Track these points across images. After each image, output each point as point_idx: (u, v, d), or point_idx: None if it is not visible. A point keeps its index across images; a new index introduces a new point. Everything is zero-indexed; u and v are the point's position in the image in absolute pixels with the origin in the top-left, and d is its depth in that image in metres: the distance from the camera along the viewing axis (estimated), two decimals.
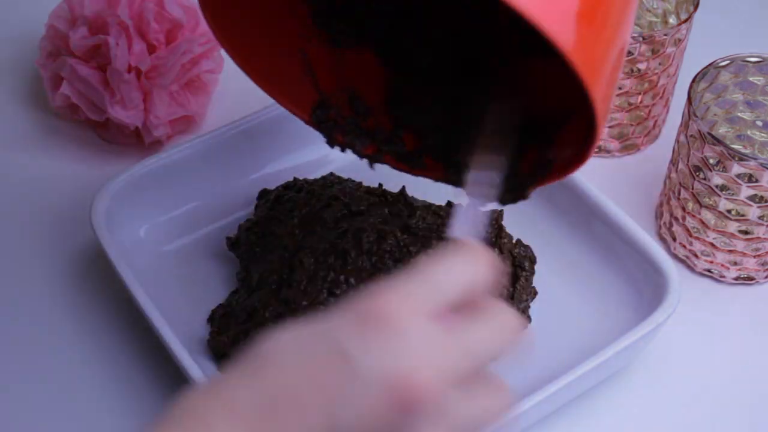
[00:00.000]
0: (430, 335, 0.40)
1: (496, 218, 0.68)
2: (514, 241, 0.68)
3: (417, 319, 0.40)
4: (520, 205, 0.72)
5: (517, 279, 0.66)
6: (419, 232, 0.66)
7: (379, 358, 0.39)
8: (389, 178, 0.67)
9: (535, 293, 0.67)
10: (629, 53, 0.73)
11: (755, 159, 0.64)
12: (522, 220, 0.70)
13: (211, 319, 0.66)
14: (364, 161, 0.64)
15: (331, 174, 0.72)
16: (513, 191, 0.58)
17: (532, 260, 0.68)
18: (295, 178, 0.72)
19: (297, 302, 0.62)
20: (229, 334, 0.63)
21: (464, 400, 0.41)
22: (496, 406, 0.43)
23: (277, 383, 0.40)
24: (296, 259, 0.64)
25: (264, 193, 0.71)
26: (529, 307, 0.66)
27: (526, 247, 0.68)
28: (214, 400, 0.40)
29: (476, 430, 0.42)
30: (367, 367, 0.39)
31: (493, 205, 0.56)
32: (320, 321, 0.41)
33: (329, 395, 0.39)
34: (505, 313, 0.43)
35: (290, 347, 0.41)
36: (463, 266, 0.43)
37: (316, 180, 0.71)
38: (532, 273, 0.67)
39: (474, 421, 0.42)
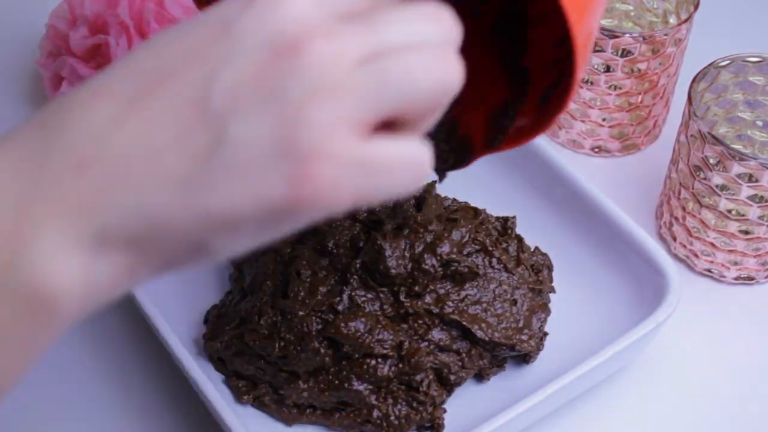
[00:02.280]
0: (328, 16, 0.36)
1: (512, 228, 0.68)
2: (532, 249, 0.68)
3: (316, 3, 0.36)
4: (520, 205, 0.72)
5: (540, 293, 0.66)
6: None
7: (261, 16, 0.36)
8: None
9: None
10: (629, 53, 0.73)
11: (755, 159, 0.64)
12: (521, 220, 0.70)
13: (206, 320, 0.66)
14: None
15: None
16: (458, 153, 0.55)
17: (550, 268, 0.68)
18: None
19: (293, 312, 0.62)
20: (222, 339, 0.63)
21: (375, 31, 0.36)
22: (430, 31, 0.37)
23: (152, 61, 0.37)
24: (293, 269, 0.64)
25: None
26: (546, 321, 0.66)
27: (545, 255, 0.68)
28: (86, 90, 0.37)
29: (411, 85, 0.36)
30: (247, 25, 0.36)
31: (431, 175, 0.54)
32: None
33: (206, 62, 0.36)
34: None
35: (173, 30, 0.38)
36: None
37: None
38: (551, 280, 0.67)
39: (404, 61, 0.36)
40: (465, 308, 0.63)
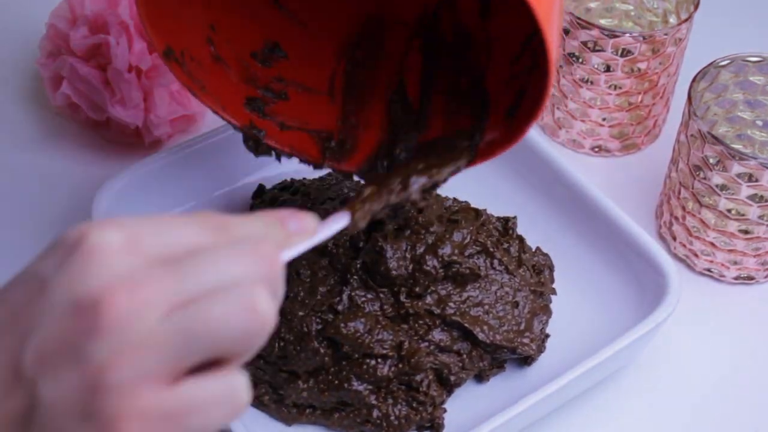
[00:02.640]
0: (139, 264, 0.36)
1: (513, 228, 0.68)
2: (533, 249, 0.68)
3: (128, 251, 0.36)
4: (520, 205, 0.72)
5: (541, 294, 0.66)
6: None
7: (70, 274, 0.35)
8: None
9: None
10: (629, 52, 0.73)
11: (755, 158, 0.64)
12: (521, 220, 0.70)
13: None
14: None
15: (329, 174, 0.72)
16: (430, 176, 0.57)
17: (551, 268, 0.68)
18: (292, 179, 0.71)
19: (293, 313, 0.62)
20: None
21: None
22: (240, 271, 0.36)
23: None
24: (292, 269, 0.64)
25: (260, 191, 0.71)
26: (547, 323, 0.66)
27: (546, 255, 0.68)
28: None
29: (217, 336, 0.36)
30: (57, 285, 0.35)
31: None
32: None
33: (21, 324, 0.36)
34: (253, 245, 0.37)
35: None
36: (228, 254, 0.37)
37: (312, 181, 0.71)
38: (552, 281, 0.67)
39: (209, 321, 0.35)
40: (466, 310, 0.63)
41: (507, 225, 0.67)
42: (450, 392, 0.63)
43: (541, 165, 0.72)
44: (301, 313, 0.62)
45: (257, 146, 0.63)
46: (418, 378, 0.61)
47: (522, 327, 0.63)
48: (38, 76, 0.82)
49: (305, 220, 0.41)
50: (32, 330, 0.35)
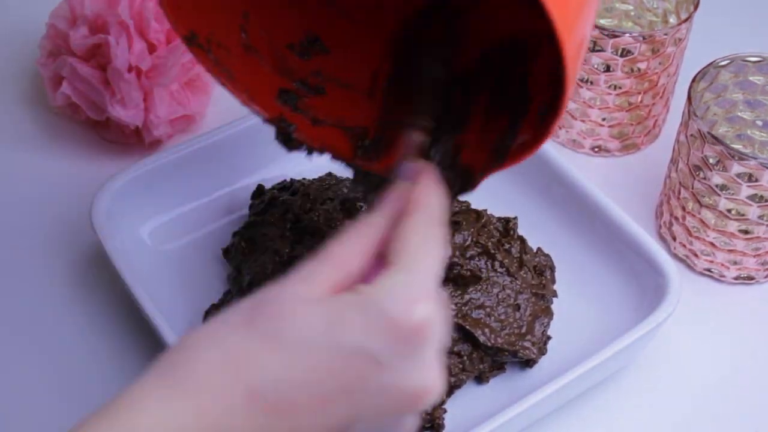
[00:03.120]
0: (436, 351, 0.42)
1: (513, 229, 0.68)
2: (535, 250, 0.68)
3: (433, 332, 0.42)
4: (520, 205, 0.72)
5: (543, 297, 0.66)
6: None
7: (405, 368, 0.41)
8: None
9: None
10: (629, 52, 0.73)
11: (755, 158, 0.64)
12: (521, 220, 0.69)
13: (205, 320, 0.66)
14: None
15: (329, 174, 0.72)
16: (463, 179, 0.57)
17: (552, 268, 0.68)
18: (291, 180, 0.71)
19: None
20: None
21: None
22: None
23: (300, 372, 0.40)
24: (292, 269, 0.63)
25: (259, 192, 0.71)
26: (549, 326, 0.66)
27: (547, 256, 0.68)
28: (234, 378, 0.40)
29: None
30: (397, 383, 0.41)
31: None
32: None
33: (352, 397, 0.40)
34: None
35: (318, 345, 0.40)
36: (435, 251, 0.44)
37: (312, 181, 0.71)
38: (553, 282, 0.67)
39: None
40: (468, 312, 0.63)
41: (508, 226, 0.67)
42: (450, 393, 0.63)
43: (540, 165, 0.72)
44: None
45: (288, 140, 0.61)
46: None
47: (523, 330, 0.63)
48: (38, 76, 0.82)
49: None
50: (362, 413, 0.41)
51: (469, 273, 0.63)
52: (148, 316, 0.62)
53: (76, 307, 0.69)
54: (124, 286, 0.64)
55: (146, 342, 0.66)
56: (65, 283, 0.70)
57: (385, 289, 0.41)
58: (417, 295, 0.41)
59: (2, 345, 0.67)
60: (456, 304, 0.62)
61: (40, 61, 0.78)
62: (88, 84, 0.75)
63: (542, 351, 0.64)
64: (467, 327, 0.62)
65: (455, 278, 0.63)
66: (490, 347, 0.62)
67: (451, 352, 0.62)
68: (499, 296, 0.64)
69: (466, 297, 0.63)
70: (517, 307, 0.64)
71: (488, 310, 0.63)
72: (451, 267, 0.63)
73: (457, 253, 0.63)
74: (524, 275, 0.65)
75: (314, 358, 0.40)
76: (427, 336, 0.41)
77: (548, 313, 0.65)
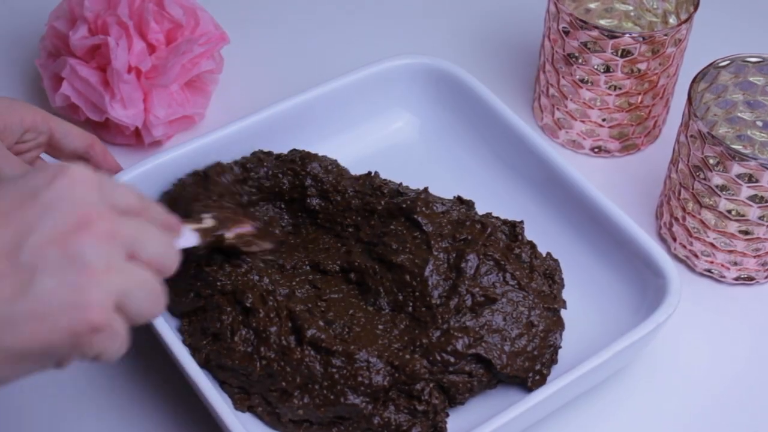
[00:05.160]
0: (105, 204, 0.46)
1: (521, 233, 0.67)
2: (544, 255, 0.68)
3: (99, 190, 0.46)
4: (520, 205, 0.72)
5: (555, 310, 0.65)
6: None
7: (62, 193, 0.45)
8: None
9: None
10: (629, 53, 0.73)
11: (755, 159, 0.64)
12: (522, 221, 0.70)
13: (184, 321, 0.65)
14: (361, 162, 0.63)
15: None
16: None
17: (560, 272, 0.68)
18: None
19: (267, 330, 0.62)
20: (201, 354, 0.63)
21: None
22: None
23: None
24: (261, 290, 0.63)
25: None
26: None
27: (556, 260, 0.68)
28: None
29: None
30: (52, 199, 0.45)
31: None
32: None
33: (15, 222, 0.44)
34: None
35: None
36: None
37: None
38: (562, 285, 0.67)
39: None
40: (485, 336, 0.62)
41: (515, 231, 0.67)
42: (452, 406, 0.62)
43: (541, 166, 0.72)
44: (273, 328, 0.62)
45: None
46: (418, 387, 0.61)
47: (536, 352, 0.63)
48: (38, 76, 0.82)
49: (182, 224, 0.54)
50: (28, 231, 0.44)
51: (484, 298, 0.63)
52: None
53: None
54: None
55: (146, 342, 0.66)
56: None
57: None
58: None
59: None
60: (472, 331, 0.62)
61: (40, 61, 0.78)
62: (88, 85, 0.75)
63: (553, 361, 0.64)
64: (483, 354, 0.62)
65: (473, 307, 0.63)
66: (501, 373, 0.62)
67: (462, 372, 0.62)
68: (514, 315, 0.63)
69: (482, 320, 0.63)
70: (531, 325, 0.63)
71: (504, 333, 0.63)
72: (466, 294, 0.63)
73: (468, 282, 0.63)
74: (535, 286, 0.65)
75: None
76: (79, 176, 0.45)
77: (560, 325, 0.65)
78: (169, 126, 0.77)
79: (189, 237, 0.57)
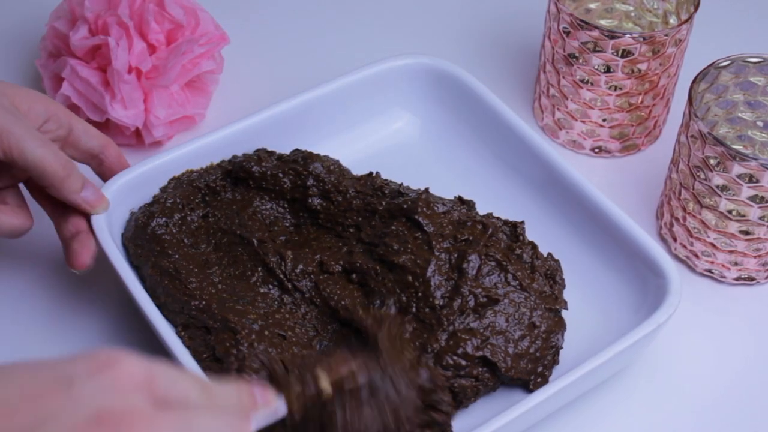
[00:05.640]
0: (151, 401, 0.44)
1: (522, 234, 0.67)
2: (545, 255, 0.68)
3: (146, 386, 0.44)
4: (521, 205, 0.72)
5: (557, 312, 0.65)
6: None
7: (101, 389, 0.43)
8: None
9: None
10: (630, 53, 0.73)
11: (756, 159, 0.64)
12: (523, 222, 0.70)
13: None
14: (361, 162, 0.63)
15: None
16: None
17: (561, 272, 0.68)
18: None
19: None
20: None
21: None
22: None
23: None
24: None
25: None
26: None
27: (557, 261, 0.68)
28: None
29: None
30: (87, 392, 0.42)
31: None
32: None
33: (40, 408, 0.42)
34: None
35: (20, 366, 0.44)
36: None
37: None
38: (563, 286, 0.67)
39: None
40: (490, 338, 0.62)
41: (516, 231, 0.67)
42: (459, 406, 0.62)
43: (541, 166, 0.72)
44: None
45: None
46: (435, 397, 0.60)
47: (538, 353, 0.63)
48: (38, 76, 0.82)
49: (269, 395, 0.49)
50: (52, 419, 0.41)
51: (486, 299, 0.63)
52: (147, 315, 0.62)
53: (75, 307, 0.69)
54: (123, 285, 0.64)
55: (146, 342, 0.66)
56: (65, 283, 0.70)
57: None
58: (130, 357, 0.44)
59: (1, 344, 0.67)
60: (478, 334, 0.62)
61: (40, 62, 0.78)
62: (88, 85, 0.75)
63: (555, 361, 0.64)
64: (489, 357, 0.62)
65: (475, 308, 0.63)
66: (506, 375, 0.62)
67: (470, 376, 0.62)
68: (516, 316, 0.63)
69: (486, 321, 0.63)
70: (533, 326, 0.63)
71: (507, 335, 0.63)
72: (468, 295, 0.63)
73: (470, 283, 0.63)
74: (536, 287, 0.65)
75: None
76: (123, 372, 0.43)
77: (561, 325, 0.65)
78: (170, 126, 0.77)
79: (277, 408, 0.50)
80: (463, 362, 0.61)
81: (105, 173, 0.68)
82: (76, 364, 0.44)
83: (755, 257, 0.70)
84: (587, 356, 0.61)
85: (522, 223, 0.68)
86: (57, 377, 0.43)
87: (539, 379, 0.63)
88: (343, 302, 0.63)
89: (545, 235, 0.70)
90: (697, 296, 0.71)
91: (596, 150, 0.79)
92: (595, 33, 0.72)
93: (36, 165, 0.61)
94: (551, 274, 0.66)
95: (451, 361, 0.61)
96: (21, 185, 0.67)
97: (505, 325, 0.63)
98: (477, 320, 0.63)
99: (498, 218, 0.68)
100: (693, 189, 0.69)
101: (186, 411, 0.45)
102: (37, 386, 0.43)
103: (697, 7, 0.73)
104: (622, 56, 0.73)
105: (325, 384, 0.51)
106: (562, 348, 0.64)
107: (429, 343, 0.62)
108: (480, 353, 0.61)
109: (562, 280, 0.67)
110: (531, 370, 0.62)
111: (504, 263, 0.64)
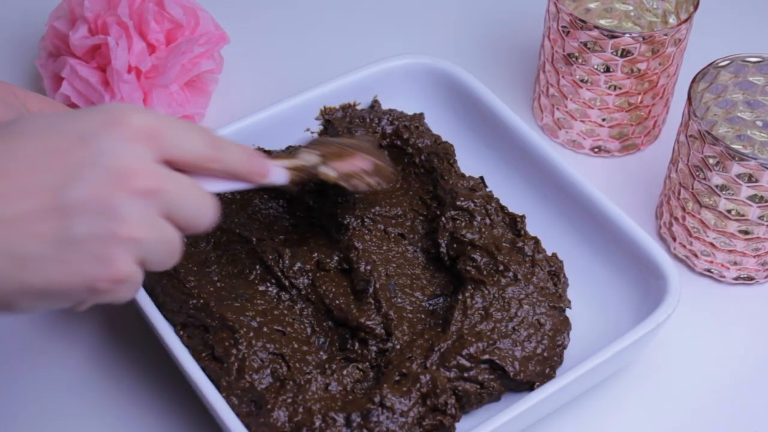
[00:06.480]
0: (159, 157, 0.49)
1: (522, 228, 0.67)
2: (550, 255, 0.67)
3: (156, 144, 0.48)
4: (520, 205, 0.72)
5: (562, 310, 0.65)
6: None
7: (113, 144, 0.47)
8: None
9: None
10: (629, 53, 0.73)
11: (755, 159, 0.64)
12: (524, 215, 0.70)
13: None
14: None
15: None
16: None
17: (563, 271, 0.68)
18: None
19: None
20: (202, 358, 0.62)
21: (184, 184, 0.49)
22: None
23: (15, 146, 0.46)
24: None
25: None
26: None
27: (561, 261, 0.68)
28: None
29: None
30: (104, 149, 0.46)
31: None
32: (73, 112, 0.49)
33: (62, 166, 0.46)
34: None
35: (39, 122, 0.48)
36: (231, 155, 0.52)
37: None
38: (567, 285, 0.67)
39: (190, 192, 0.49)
40: (497, 342, 0.62)
41: (516, 224, 0.67)
42: (462, 410, 0.62)
43: (540, 166, 0.72)
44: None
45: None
46: (441, 400, 0.60)
47: (546, 354, 0.63)
48: (38, 76, 0.82)
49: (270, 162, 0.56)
50: (74, 175, 0.46)
51: (474, 270, 0.63)
52: (147, 316, 0.62)
53: None
54: None
55: (146, 342, 0.66)
56: None
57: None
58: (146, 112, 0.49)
59: (1, 345, 0.67)
60: (485, 332, 0.62)
61: (39, 61, 0.78)
62: (88, 85, 0.75)
63: (560, 362, 0.64)
64: (497, 361, 0.61)
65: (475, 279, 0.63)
66: (513, 380, 0.62)
67: (475, 381, 0.61)
68: (519, 314, 0.63)
69: (491, 324, 0.62)
70: (539, 325, 0.63)
71: (514, 338, 0.62)
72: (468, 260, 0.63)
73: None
74: (536, 281, 0.64)
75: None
76: (134, 129, 0.47)
77: (567, 325, 0.64)
78: None
79: (278, 175, 0.58)
80: (468, 363, 0.61)
81: None
82: (90, 118, 0.47)
83: (754, 257, 0.70)
84: (587, 355, 0.61)
85: (523, 216, 0.68)
86: (67, 136, 0.47)
87: (546, 378, 0.62)
88: (337, 301, 0.63)
89: (545, 234, 0.70)
90: (696, 296, 0.71)
91: (596, 150, 0.79)
92: (595, 33, 0.72)
93: None
94: (555, 272, 0.66)
95: (455, 362, 0.61)
96: None
97: (511, 325, 0.62)
98: (483, 321, 0.62)
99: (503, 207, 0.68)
100: (692, 188, 0.69)
101: (188, 174, 0.50)
102: (57, 141, 0.46)
103: (696, 7, 0.73)
104: (622, 56, 0.73)
105: (328, 171, 0.61)
106: (566, 347, 0.64)
107: (437, 342, 0.62)
108: (486, 356, 0.61)
109: (566, 278, 0.67)
110: (540, 372, 0.62)
111: (494, 252, 0.64)
